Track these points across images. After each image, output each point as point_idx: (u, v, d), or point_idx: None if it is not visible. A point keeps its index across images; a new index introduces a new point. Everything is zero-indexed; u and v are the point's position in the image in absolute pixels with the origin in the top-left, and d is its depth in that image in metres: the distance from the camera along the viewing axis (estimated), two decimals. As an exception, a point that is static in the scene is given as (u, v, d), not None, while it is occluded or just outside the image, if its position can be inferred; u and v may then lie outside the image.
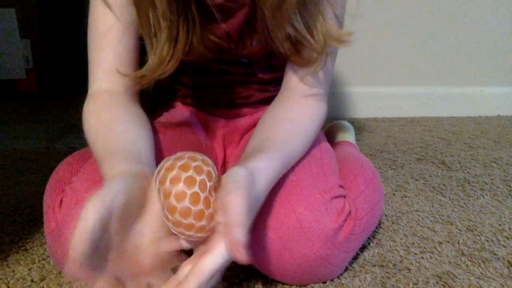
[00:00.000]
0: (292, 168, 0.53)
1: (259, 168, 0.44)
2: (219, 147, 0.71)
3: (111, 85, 0.55)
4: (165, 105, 0.72)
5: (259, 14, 0.55)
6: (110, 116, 0.52)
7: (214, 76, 0.66)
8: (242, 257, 0.36)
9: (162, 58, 0.52)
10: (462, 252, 0.60)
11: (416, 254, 0.59)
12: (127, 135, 0.49)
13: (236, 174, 0.40)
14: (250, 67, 0.65)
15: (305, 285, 0.52)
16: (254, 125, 0.69)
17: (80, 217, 0.34)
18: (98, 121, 0.51)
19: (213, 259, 0.37)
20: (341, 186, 0.55)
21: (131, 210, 0.39)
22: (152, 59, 0.52)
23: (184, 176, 0.38)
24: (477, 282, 0.52)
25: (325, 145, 0.63)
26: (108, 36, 0.54)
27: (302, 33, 0.53)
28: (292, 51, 0.55)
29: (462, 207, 0.75)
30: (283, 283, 0.52)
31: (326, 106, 0.61)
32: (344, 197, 0.53)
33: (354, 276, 0.53)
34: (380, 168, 0.94)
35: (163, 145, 0.58)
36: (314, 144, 0.59)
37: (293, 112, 0.56)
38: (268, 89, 0.69)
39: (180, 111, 0.71)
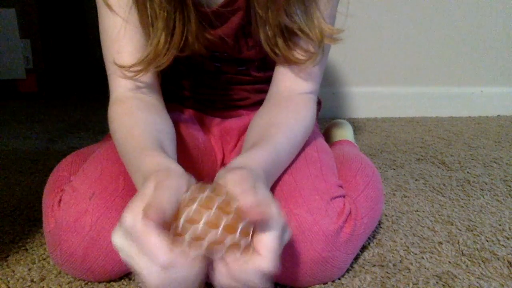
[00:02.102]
0: (289, 170, 0.53)
1: (248, 157, 0.45)
2: (217, 146, 0.71)
3: (134, 86, 0.56)
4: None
5: (253, 13, 0.55)
6: (147, 117, 0.53)
7: (208, 75, 0.66)
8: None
9: (158, 50, 0.52)
10: (462, 252, 0.60)
11: (416, 254, 0.59)
12: (160, 135, 0.50)
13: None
14: (243, 65, 0.65)
15: (306, 287, 0.51)
16: None
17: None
18: (131, 122, 0.51)
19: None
20: (341, 186, 0.54)
21: None
22: (148, 50, 0.53)
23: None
24: (477, 282, 0.52)
25: (323, 145, 0.62)
26: (121, 39, 0.54)
27: (300, 26, 0.53)
28: (285, 49, 0.55)
29: (462, 207, 0.74)
30: (283, 285, 0.52)
31: (315, 105, 0.61)
32: (344, 197, 0.53)
33: (354, 276, 0.53)
34: (380, 168, 0.94)
35: None
36: (311, 144, 0.59)
37: (280, 117, 0.56)
38: (265, 89, 0.69)
39: (179, 112, 0.71)
